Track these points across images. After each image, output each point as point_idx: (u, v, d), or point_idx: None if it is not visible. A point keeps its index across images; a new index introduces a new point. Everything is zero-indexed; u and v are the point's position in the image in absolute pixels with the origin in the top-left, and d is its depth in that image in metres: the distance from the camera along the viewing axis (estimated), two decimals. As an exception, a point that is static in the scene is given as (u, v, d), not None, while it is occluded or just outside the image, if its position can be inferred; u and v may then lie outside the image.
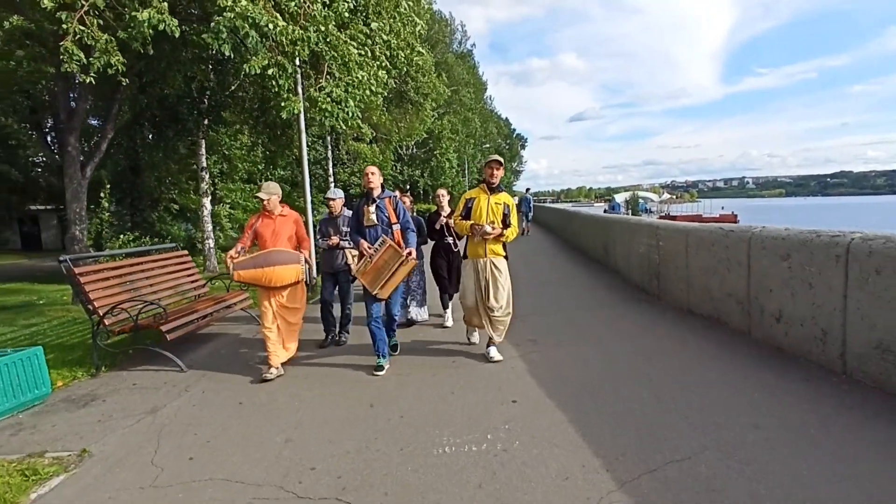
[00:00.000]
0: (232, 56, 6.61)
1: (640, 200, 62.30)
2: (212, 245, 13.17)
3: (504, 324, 4.78)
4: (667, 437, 3.02)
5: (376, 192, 4.69)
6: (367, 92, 7.88)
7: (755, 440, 2.94)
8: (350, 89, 7.58)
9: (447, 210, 6.02)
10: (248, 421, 3.70)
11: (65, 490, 2.88)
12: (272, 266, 4.59)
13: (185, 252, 6.89)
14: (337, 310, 5.64)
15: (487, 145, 46.93)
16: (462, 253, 4.97)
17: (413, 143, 29.50)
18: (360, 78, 7.61)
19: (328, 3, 7.21)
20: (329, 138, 15.75)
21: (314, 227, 7.65)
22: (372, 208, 4.65)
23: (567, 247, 14.74)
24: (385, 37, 8.55)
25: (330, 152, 16.34)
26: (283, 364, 4.76)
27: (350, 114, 7.65)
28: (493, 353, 4.73)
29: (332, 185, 15.97)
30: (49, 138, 18.34)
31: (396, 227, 4.67)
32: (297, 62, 7.38)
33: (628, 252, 8.41)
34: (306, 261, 4.90)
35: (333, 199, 5.61)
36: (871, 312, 3.56)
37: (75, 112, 8.32)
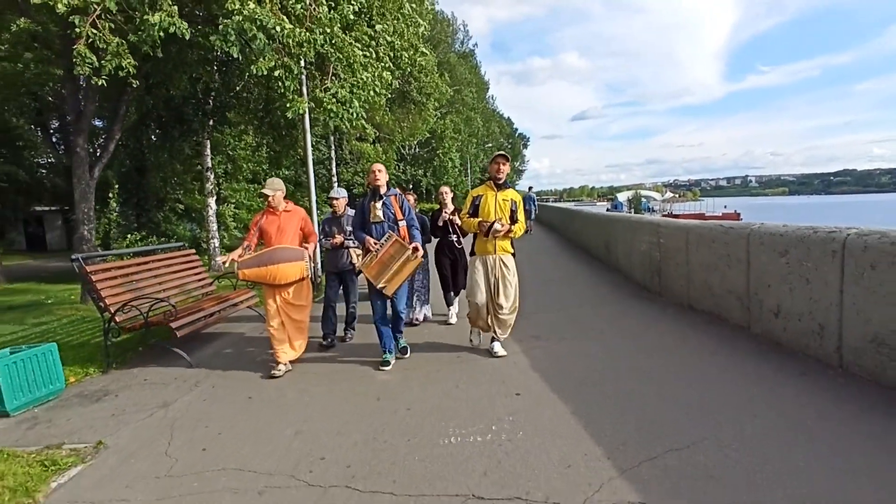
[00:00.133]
0: (239, 58, 6.71)
1: (643, 199, 62.28)
2: (216, 245, 13.29)
3: (510, 321, 4.84)
4: (666, 428, 3.10)
5: (382, 189, 4.74)
6: (372, 93, 7.99)
7: (753, 431, 3.01)
8: (355, 90, 7.68)
9: (451, 207, 6.05)
10: (257, 414, 3.79)
11: (83, 480, 2.98)
12: (276, 264, 4.61)
13: (193, 251, 7.00)
14: (341, 309, 5.69)
15: (490, 145, 47.02)
16: (470, 250, 4.97)
17: (416, 142, 29.59)
18: (365, 79, 7.71)
19: (333, 5, 7.32)
20: (332, 138, 15.85)
21: (318, 226, 7.74)
22: (378, 204, 4.68)
23: (569, 245, 14.82)
24: (389, 38, 8.65)
25: (333, 152, 16.44)
26: (290, 361, 4.82)
27: (355, 114, 7.76)
28: (497, 348, 4.82)
29: (336, 184, 16.07)
30: (53, 139, 18.52)
31: (402, 224, 4.71)
32: (303, 63, 7.48)
33: (630, 250, 8.48)
34: (310, 257, 4.94)
35: (337, 199, 5.64)
36: (867, 307, 3.63)
37: (83, 114, 8.43)
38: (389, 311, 4.79)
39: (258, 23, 6.18)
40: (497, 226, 4.60)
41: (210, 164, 13.20)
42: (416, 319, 6.22)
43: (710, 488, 2.46)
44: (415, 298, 6.21)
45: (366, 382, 4.33)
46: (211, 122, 12.15)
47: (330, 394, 4.14)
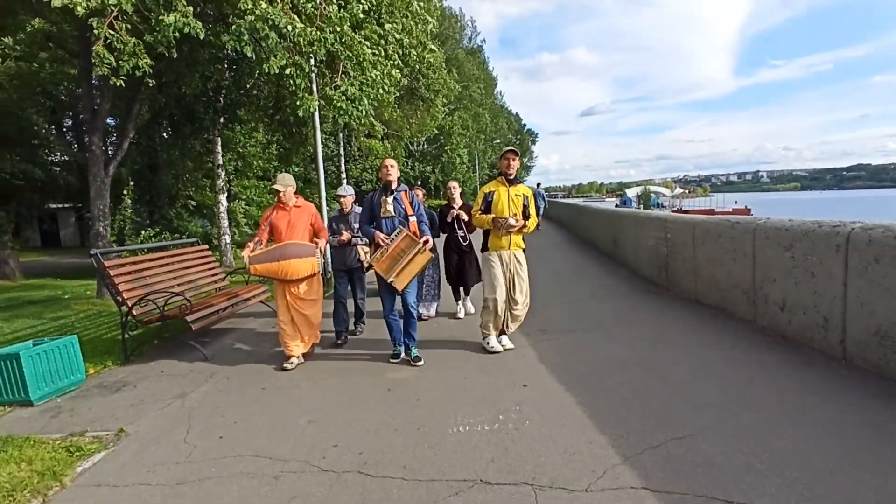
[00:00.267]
0: (251, 57, 6.82)
1: (652, 195, 61.87)
2: (228, 241, 13.47)
3: (523, 315, 4.91)
4: (670, 418, 3.17)
5: (394, 185, 4.74)
6: (381, 90, 8.08)
7: (755, 420, 3.08)
8: (364, 88, 7.79)
9: (459, 203, 6.09)
10: (272, 404, 3.91)
11: (106, 465, 3.11)
12: (288, 259, 4.64)
13: (206, 247, 7.15)
14: (351, 305, 5.76)
15: (498, 141, 46.98)
16: (482, 246, 4.96)
17: (424, 139, 29.68)
18: (374, 77, 7.80)
19: (343, 4, 7.41)
20: (341, 135, 15.97)
21: (326, 224, 7.84)
22: (390, 199, 4.69)
23: (578, 241, 14.84)
24: (398, 36, 8.73)
25: (342, 149, 16.56)
26: (302, 354, 4.90)
27: (364, 112, 7.87)
28: (505, 341, 4.90)
29: (345, 181, 16.19)
30: (67, 137, 18.81)
31: (413, 220, 4.71)
32: (313, 62, 7.59)
33: (637, 245, 8.52)
34: (322, 252, 4.99)
35: (344, 196, 5.68)
36: (871, 300, 3.67)
37: (98, 112, 8.60)
38: (400, 307, 4.78)
39: (270, 22, 6.29)
40: (512, 221, 4.62)
41: (221, 162, 13.37)
42: (427, 315, 6.28)
43: (711, 474, 2.53)
44: (424, 293, 6.26)
45: (376, 374, 4.45)
46: (222, 120, 12.30)
47: (342, 385, 4.25)
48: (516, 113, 67.41)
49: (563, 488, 2.51)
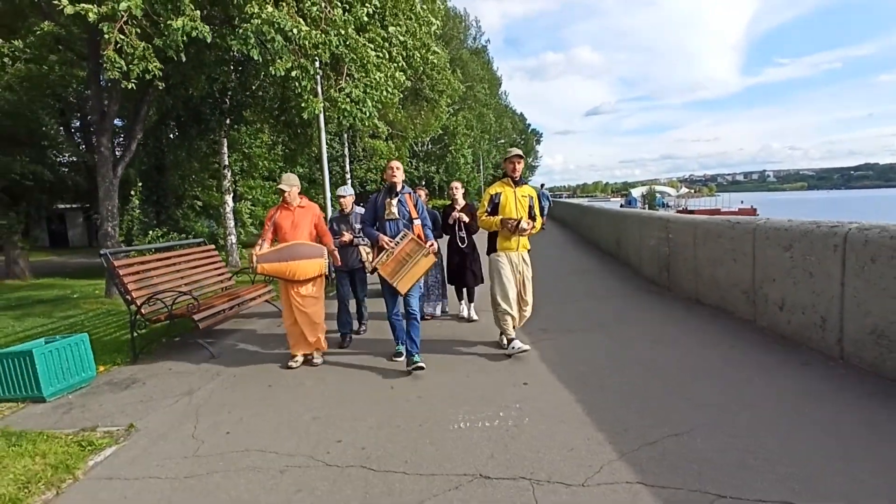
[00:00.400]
0: (258, 59, 6.91)
1: (658, 195, 61.68)
2: (234, 241, 13.60)
3: (528, 315, 4.99)
4: (667, 416, 3.24)
5: (399, 187, 4.69)
6: (385, 92, 8.17)
7: (751, 418, 3.14)
8: (368, 90, 7.88)
9: (461, 203, 6.07)
10: (277, 401, 4.00)
11: (117, 459, 3.20)
12: (296, 260, 4.67)
13: (212, 247, 7.25)
14: (353, 306, 5.79)
15: (502, 141, 46.99)
16: (487, 248, 4.93)
17: (428, 139, 29.76)
18: (378, 79, 7.90)
19: (348, 7, 7.51)
20: (346, 136, 16.07)
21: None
22: (394, 202, 4.64)
23: (581, 241, 14.89)
24: (401, 38, 8.81)
25: (346, 149, 16.65)
26: (306, 353, 4.94)
27: (368, 113, 7.96)
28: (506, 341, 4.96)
29: (349, 181, 16.28)
30: (76, 138, 18.99)
31: (417, 223, 4.68)
32: (318, 64, 7.68)
33: (640, 245, 8.57)
34: (330, 254, 5.00)
35: (344, 197, 5.67)
36: (867, 299, 3.72)
37: (107, 114, 8.73)
38: (403, 310, 4.72)
39: (276, 25, 6.39)
40: (524, 224, 4.63)
41: (227, 162, 13.50)
42: (431, 315, 6.33)
43: (705, 470, 2.59)
44: (429, 293, 6.29)
45: (380, 372, 4.53)
46: (228, 121, 12.42)
47: (346, 383, 4.33)
48: (521, 113, 67.46)
49: (560, 483, 2.58)
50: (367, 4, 7.70)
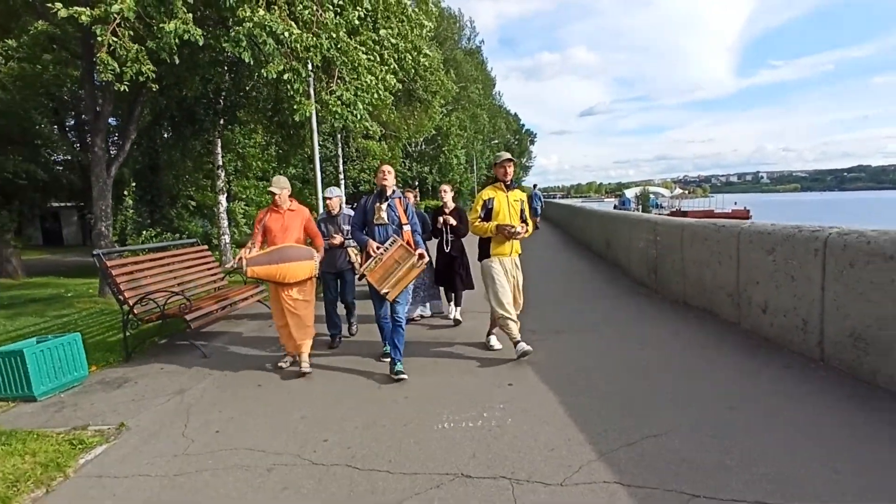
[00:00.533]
0: (250, 62, 6.94)
1: (651, 196, 62.01)
2: (227, 241, 13.61)
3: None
4: (648, 417, 3.30)
5: (389, 191, 4.60)
6: (376, 95, 8.23)
7: (730, 419, 3.21)
8: (359, 93, 7.94)
9: (450, 206, 6.07)
10: (266, 401, 4.05)
11: (107, 457, 3.25)
12: (286, 262, 4.63)
13: (205, 247, 7.29)
14: (341, 308, 5.79)
15: (496, 141, 47.06)
16: (479, 254, 4.86)
17: (421, 139, 29.81)
18: (369, 82, 7.95)
19: (339, 11, 7.56)
20: (339, 136, 16.11)
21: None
22: (384, 206, 4.55)
23: (572, 242, 14.98)
24: (393, 41, 8.87)
25: (340, 150, 16.70)
26: (296, 356, 4.90)
27: (359, 116, 8.02)
28: (493, 341, 5.03)
29: (343, 182, 16.31)
30: (70, 137, 18.95)
31: (406, 229, 4.58)
32: (311, 67, 7.73)
33: (629, 247, 8.66)
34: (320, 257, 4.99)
35: (331, 198, 5.65)
36: (846, 303, 3.80)
37: (101, 114, 8.75)
38: (390, 315, 4.63)
39: (268, 28, 6.44)
40: (519, 230, 4.65)
41: (221, 163, 13.49)
42: (420, 316, 6.38)
43: (681, 470, 2.66)
44: (420, 294, 6.32)
45: (368, 373, 4.58)
46: (221, 122, 12.42)
47: (334, 383, 4.38)
48: (515, 113, 67.57)
49: (540, 482, 2.64)
50: (358, 8, 7.76)
